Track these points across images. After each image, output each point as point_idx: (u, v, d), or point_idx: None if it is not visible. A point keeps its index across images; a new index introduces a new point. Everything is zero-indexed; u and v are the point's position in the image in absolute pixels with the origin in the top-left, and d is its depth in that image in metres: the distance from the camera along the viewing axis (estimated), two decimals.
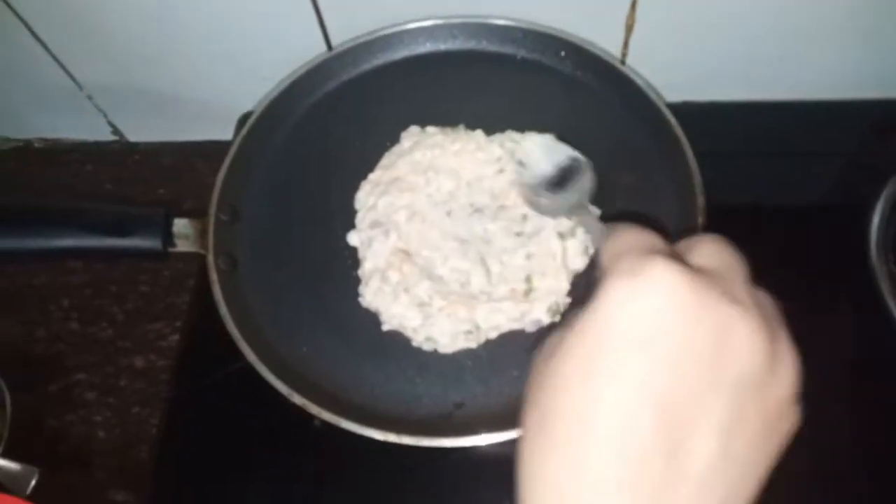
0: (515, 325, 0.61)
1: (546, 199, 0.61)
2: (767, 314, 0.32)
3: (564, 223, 0.63)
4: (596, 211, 0.60)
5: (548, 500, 0.31)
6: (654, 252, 0.32)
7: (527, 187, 0.62)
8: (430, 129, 0.70)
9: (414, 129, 0.70)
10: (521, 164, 0.64)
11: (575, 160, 0.61)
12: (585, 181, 0.60)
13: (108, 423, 0.75)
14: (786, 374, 0.32)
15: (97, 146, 0.92)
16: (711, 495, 0.30)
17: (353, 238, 0.66)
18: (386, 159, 0.69)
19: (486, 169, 0.67)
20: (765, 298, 0.34)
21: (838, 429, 0.64)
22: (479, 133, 0.69)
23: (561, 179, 0.61)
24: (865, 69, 0.77)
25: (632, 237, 0.36)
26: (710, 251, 0.35)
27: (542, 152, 0.63)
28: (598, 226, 0.54)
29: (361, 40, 0.74)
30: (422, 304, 0.62)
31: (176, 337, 0.78)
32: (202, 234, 0.63)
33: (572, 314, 0.33)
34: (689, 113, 0.68)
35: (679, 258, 0.33)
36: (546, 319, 0.61)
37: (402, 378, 0.61)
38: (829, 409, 0.64)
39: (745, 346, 0.30)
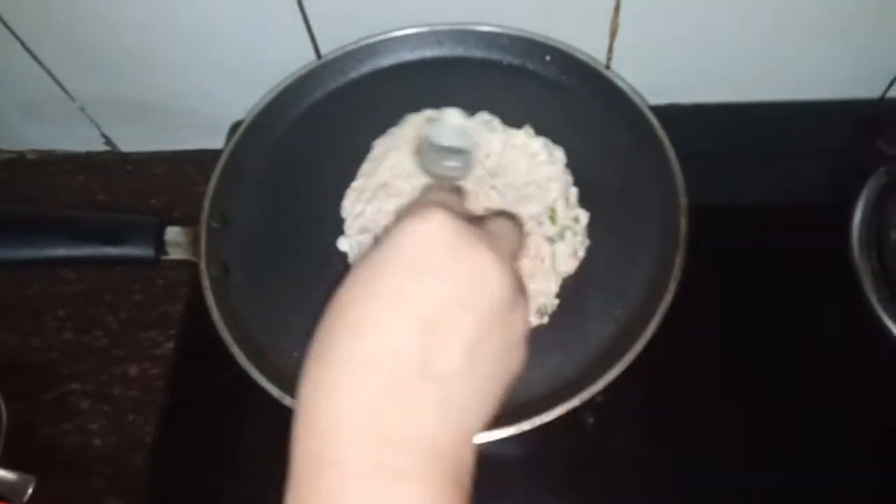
0: None
1: (434, 160, 0.67)
2: (516, 274, 0.40)
3: (552, 228, 0.64)
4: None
5: (314, 401, 0.37)
6: (442, 205, 0.38)
7: (424, 141, 0.68)
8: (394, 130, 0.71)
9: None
10: (431, 119, 0.69)
11: (467, 146, 0.67)
12: (465, 163, 0.67)
13: (103, 430, 0.76)
14: (521, 317, 0.39)
15: (89, 157, 0.93)
16: (454, 397, 0.36)
17: (342, 244, 0.67)
18: (366, 166, 0.70)
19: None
20: (516, 270, 0.40)
21: (821, 423, 0.65)
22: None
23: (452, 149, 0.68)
24: (847, 69, 0.78)
25: (434, 193, 0.44)
26: (497, 221, 0.44)
27: (454, 126, 0.69)
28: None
29: (349, 48, 0.75)
30: None
31: (170, 345, 0.79)
32: (194, 241, 0.64)
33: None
34: (675, 115, 0.69)
35: (465, 217, 0.39)
36: (534, 321, 0.62)
37: None
38: (814, 404, 0.65)
39: (495, 284, 0.37)
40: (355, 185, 0.69)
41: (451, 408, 0.36)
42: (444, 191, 0.45)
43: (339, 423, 0.35)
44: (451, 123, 0.69)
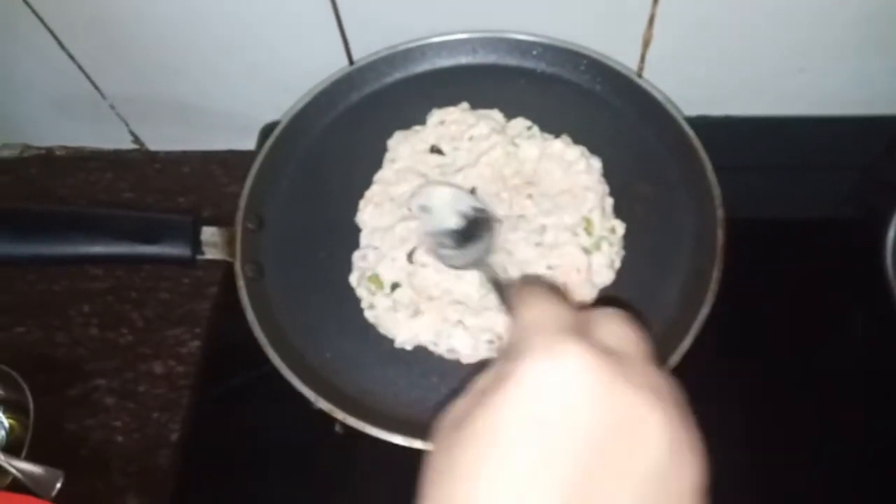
0: None
1: (448, 251, 0.61)
2: (675, 400, 0.32)
3: (588, 239, 0.64)
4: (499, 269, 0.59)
5: None
6: (567, 330, 0.32)
7: (429, 235, 0.62)
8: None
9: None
10: (425, 209, 0.63)
11: (482, 213, 0.62)
12: (490, 237, 0.61)
13: (128, 427, 0.75)
14: (693, 463, 0.31)
15: (117, 155, 0.93)
16: None
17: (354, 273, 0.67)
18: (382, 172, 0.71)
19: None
20: (669, 381, 0.33)
21: (853, 440, 0.65)
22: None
23: (467, 232, 0.61)
24: (881, 85, 0.78)
25: (544, 309, 0.35)
26: (615, 330, 0.34)
27: (449, 202, 0.63)
28: (503, 284, 0.54)
29: (383, 54, 0.75)
30: (444, 320, 0.63)
31: (195, 343, 0.79)
32: (230, 242, 0.64)
33: (480, 379, 0.34)
34: (705, 127, 0.69)
35: (588, 335, 0.32)
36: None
37: (426, 384, 0.62)
38: (845, 421, 0.65)
39: (654, 435, 0.29)
40: (368, 193, 0.70)
41: None
42: (550, 299, 0.36)
43: None
44: (444, 200, 0.63)
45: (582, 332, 0.32)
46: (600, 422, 0.29)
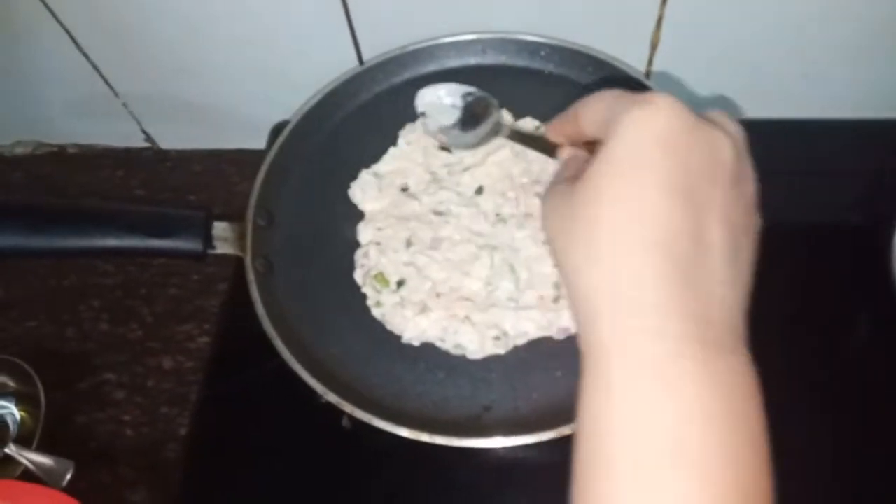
0: (543, 333, 0.63)
1: (460, 137, 0.65)
2: (739, 138, 0.41)
3: None
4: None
5: (600, 300, 0.37)
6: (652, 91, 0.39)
7: (439, 132, 0.66)
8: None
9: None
10: (423, 115, 0.66)
11: (474, 95, 0.65)
12: (492, 111, 0.64)
13: (136, 421, 0.76)
14: (752, 180, 0.41)
15: (129, 152, 0.94)
16: (728, 270, 0.37)
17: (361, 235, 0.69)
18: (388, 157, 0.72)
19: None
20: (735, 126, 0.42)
21: (857, 444, 0.65)
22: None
23: (469, 116, 0.65)
24: (888, 89, 0.78)
25: (612, 94, 0.42)
26: (711, 112, 0.43)
27: (440, 98, 0.66)
28: (536, 132, 0.60)
29: (393, 54, 0.76)
30: (451, 317, 0.63)
31: (204, 339, 0.80)
32: (240, 236, 0.65)
33: (556, 173, 0.48)
34: None
35: None
36: (574, 328, 0.62)
37: (432, 380, 0.62)
38: (849, 426, 0.65)
39: (729, 155, 0.38)
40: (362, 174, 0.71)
41: (731, 279, 0.38)
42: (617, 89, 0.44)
43: (642, 294, 0.36)
44: (435, 101, 0.66)
45: None
46: (695, 145, 0.37)
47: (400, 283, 0.65)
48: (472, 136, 0.65)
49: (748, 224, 0.40)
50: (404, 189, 0.70)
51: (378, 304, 0.65)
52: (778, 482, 0.62)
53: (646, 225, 0.36)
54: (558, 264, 0.41)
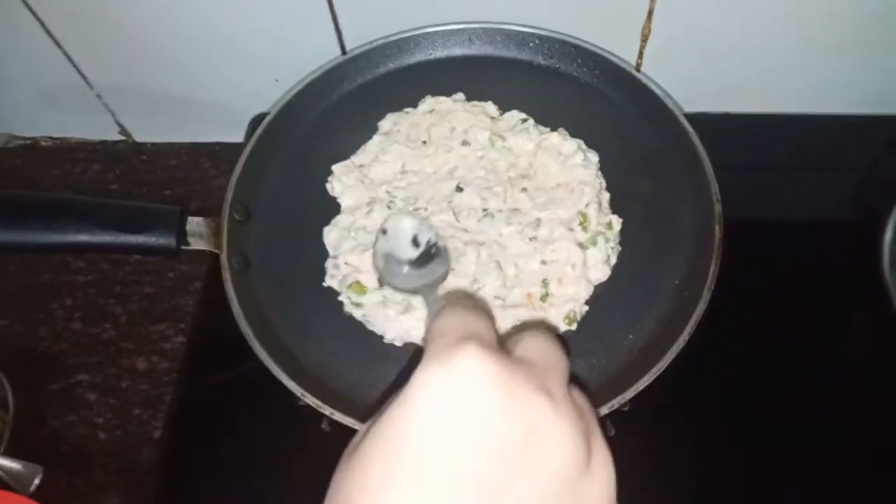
0: None
1: (395, 270, 0.59)
2: (583, 415, 0.31)
3: (583, 234, 0.63)
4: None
5: None
6: (469, 337, 0.30)
7: (381, 256, 0.60)
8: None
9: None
10: (384, 231, 0.61)
11: (436, 249, 0.60)
12: (437, 268, 0.59)
13: (109, 424, 0.74)
14: (602, 477, 0.31)
15: (104, 146, 0.92)
16: None
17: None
18: (363, 154, 0.70)
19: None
20: (581, 398, 0.33)
21: (850, 440, 0.64)
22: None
23: (420, 257, 0.59)
24: (881, 85, 0.77)
25: (453, 319, 0.34)
26: (533, 345, 0.34)
27: (408, 231, 0.61)
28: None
29: (377, 44, 0.74)
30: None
31: (179, 339, 0.78)
32: (216, 232, 0.63)
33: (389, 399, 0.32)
34: (703, 123, 0.68)
35: (497, 347, 0.31)
36: (563, 327, 0.60)
37: None
38: (842, 421, 0.64)
39: (557, 441, 0.29)
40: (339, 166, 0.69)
41: None
42: (462, 310, 0.35)
43: None
44: (404, 229, 0.61)
45: (489, 343, 0.31)
46: (499, 425, 0.28)
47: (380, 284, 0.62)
48: (415, 276, 0.59)
49: None
50: (384, 182, 0.68)
51: (358, 305, 0.63)
52: (772, 479, 0.62)
53: None
54: None
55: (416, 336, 0.61)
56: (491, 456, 0.28)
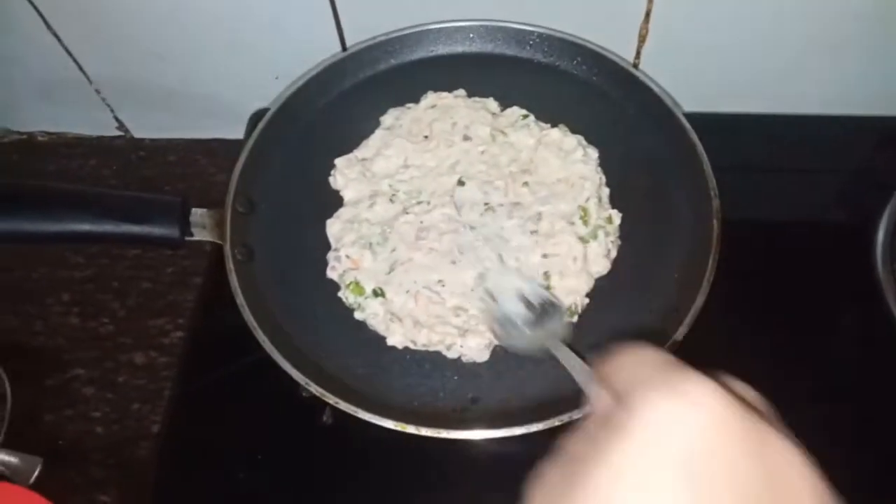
0: None
1: (515, 333, 0.57)
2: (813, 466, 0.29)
3: (584, 228, 0.63)
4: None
5: None
6: (687, 370, 0.28)
7: (496, 321, 0.59)
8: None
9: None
10: (491, 296, 0.60)
11: (549, 303, 0.58)
12: (556, 323, 0.57)
13: (107, 418, 0.74)
14: None
15: (101, 141, 0.92)
16: None
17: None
18: (365, 149, 0.70)
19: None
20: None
21: (845, 438, 0.64)
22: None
23: (535, 319, 0.58)
24: (874, 86, 0.78)
25: (653, 353, 0.31)
26: (743, 386, 0.32)
27: (516, 289, 0.60)
28: (578, 361, 0.50)
29: (378, 40, 0.75)
30: (443, 335, 0.61)
31: (178, 334, 0.77)
32: (219, 223, 0.63)
33: (571, 443, 0.30)
34: (699, 123, 0.69)
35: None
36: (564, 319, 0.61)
37: (419, 371, 0.61)
38: (836, 419, 0.64)
39: (807, 485, 0.27)
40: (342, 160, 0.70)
41: None
42: (652, 349, 0.32)
43: None
44: (510, 287, 0.60)
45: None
46: (740, 464, 0.26)
47: (377, 293, 0.63)
48: (532, 337, 0.56)
49: None
50: (387, 176, 0.68)
51: (360, 307, 0.63)
52: None
53: None
54: None
55: (419, 344, 0.61)
56: (731, 493, 0.26)
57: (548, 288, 0.61)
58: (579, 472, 0.28)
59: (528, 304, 0.58)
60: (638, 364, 0.31)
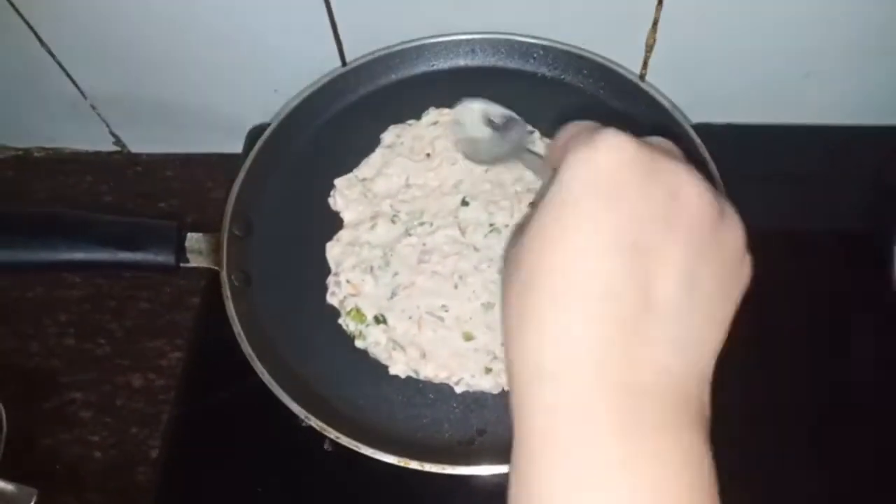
0: None
1: (482, 149, 0.60)
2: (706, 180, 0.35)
3: None
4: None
5: (540, 349, 0.32)
6: (608, 128, 0.34)
7: (463, 141, 0.61)
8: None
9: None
10: (457, 123, 0.62)
11: (509, 117, 0.60)
12: (517, 133, 0.59)
13: (105, 443, 0.72)
14: (733, 224, 0.35)
15: (98, 157, 0.90)
16: (679, 332, 0.32)
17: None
18: (366, 168, 0.69)
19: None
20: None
21: (860, 452, 0.63)
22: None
23: (500, 136, 0.60)
24: (888, 95, 0.77)
25: (580, 125, 0.38)
26: (659, 139, 0.37)
27: (478, 112, 0.61)
28: (539, 160, 0.54)
29: (379, 55, 0.73)
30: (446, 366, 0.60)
31: (176, 355, 0.76)
32: (215, 249, 0.62)
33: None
34: (707, 134, 0.67)
35: None
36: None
37: (423, 402, 0.59)
38: (852, 433, 0.64)
39: (695, 197, 0.33)
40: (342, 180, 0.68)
41: (682, 341, 0.32)
42: (582, 123, 0.39)
43: (564, 367, 0.31)
44: (475, 111, 0.61)
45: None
46: (647, 187, 0.32)
47: (378, 320, 0.61)
48: (496, 145, 0.60)
49: (727, 275, 0.35)
50: (388, 196, 0.66)
51: (361, 335, 0.62)
52: (776, 484, 0.61)
53: (580, 284, 0.32)
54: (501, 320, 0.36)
55: (423, 376, 0.60)
56: (643, 218, 0.32)
57: None
58: (526, 226, 0.34)
59: (491, 124, 0.60)
60: (569, 136, 0.38)
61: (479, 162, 0.61)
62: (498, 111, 0.60)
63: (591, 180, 0.32)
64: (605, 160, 0.32)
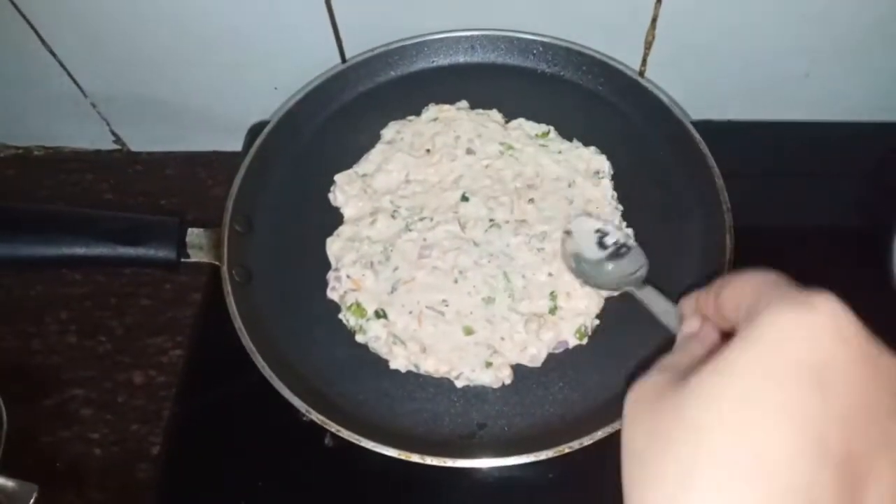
0: (545, 349, 0.60)
1: (588, 269, 0.60)
2: None
3: None
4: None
5: None
6: (826, 292, 0.29)
7: (572, 257, 0.61)
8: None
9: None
10: (569, 235, 0.62)
11: (624, 243, 0.60)
12: (631, 264, 0.59)
13: (106, 440, 0.72)
14: None
15: (98, 155, 0.90)
16: None
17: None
18: (366, 164, 0.69)
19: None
20: None
21: None
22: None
23: (605, 258, 0.60)
24: (887, 91, 0.77)
25: (772, 275, 0.33)
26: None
27: (590, 231, 0.62)
28: (663, 300, 0.54)
29: (378, 51, 0.73)
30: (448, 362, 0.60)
31: (177, 352, 0.76)
32: (216, 244, 0.62)
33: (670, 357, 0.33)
34: (708, 131, 0.67)
35: None
36: (573, 342, 0.59)
37: (423, 396, 0.59)
38: None
39: None
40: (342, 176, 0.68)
41: None
42: (769, 272, 0.34)
43: None
44: (588, 229, 0.62)
45: None
46: (864, 378, 0.27)
47: (379, 314, 0.61)
48: (610, 271, 0.60)
49: None
50: (388, 192, 0.66)
51: (361, 330, 0.62)
52: None
53: (755, 461, 0.26)
54: (626, 475, 0.31)
55: (424, 370, 0.60)
56: (859, 419, 0.26)
57: (555, 309, 0.60)
58: (693, 381, 0.29)
59: (604, 246, 0.60)
60: (758, 284, 0.32)
61: (585, 283, 0.60)
62: (614, 236, 0.61)
63: (796, 354, 0.27)
64: (822, 337, 0.27)
